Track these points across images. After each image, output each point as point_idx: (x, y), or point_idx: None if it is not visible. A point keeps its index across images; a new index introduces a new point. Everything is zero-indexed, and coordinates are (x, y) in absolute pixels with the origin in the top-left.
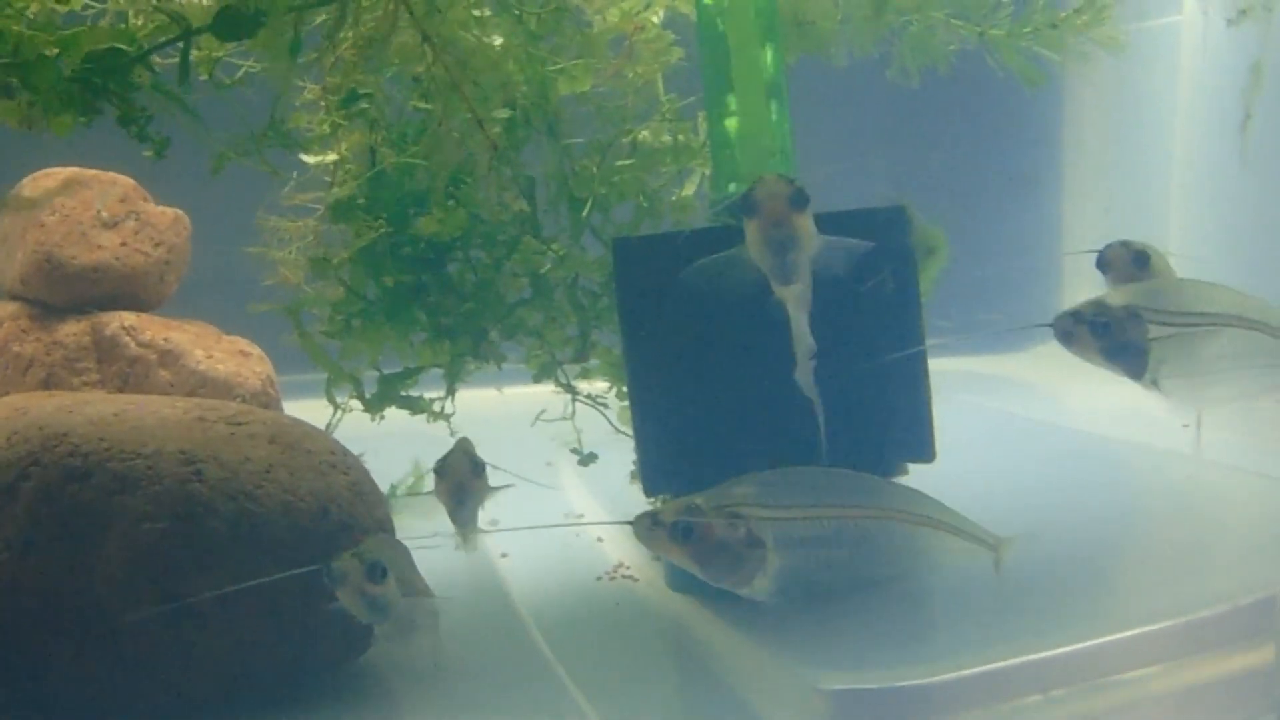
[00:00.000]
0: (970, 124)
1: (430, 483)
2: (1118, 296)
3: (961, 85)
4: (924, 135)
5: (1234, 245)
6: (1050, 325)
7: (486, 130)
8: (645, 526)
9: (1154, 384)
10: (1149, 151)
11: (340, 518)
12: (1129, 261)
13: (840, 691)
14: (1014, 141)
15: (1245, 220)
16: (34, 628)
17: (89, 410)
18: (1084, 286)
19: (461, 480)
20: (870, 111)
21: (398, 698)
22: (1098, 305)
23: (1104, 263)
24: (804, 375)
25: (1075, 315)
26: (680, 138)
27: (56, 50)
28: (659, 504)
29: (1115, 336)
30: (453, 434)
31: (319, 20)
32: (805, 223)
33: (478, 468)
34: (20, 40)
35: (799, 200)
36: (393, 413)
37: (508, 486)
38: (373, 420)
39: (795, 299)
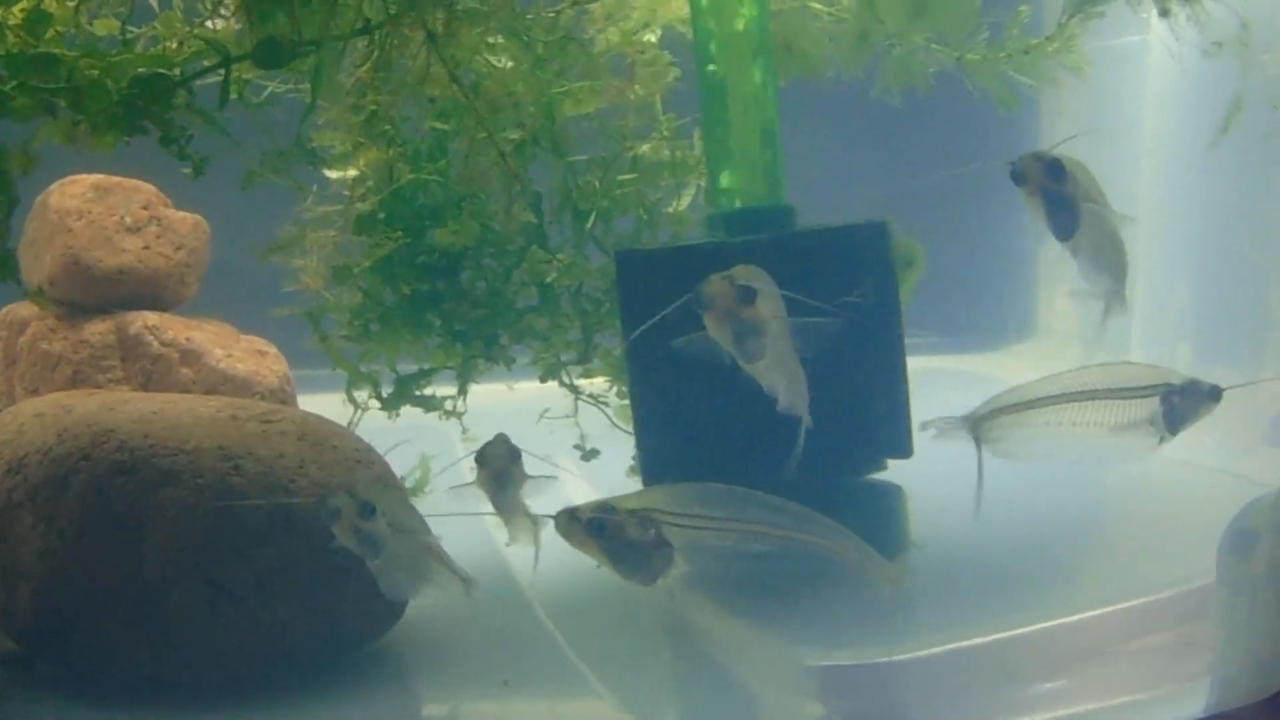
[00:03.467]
0: (952, 130)
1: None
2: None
3: (946, 92)
4: (907, 143)
5: (1196, 242)
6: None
7: (510, 163)
8: (564, 521)
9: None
10: (1118, 159)
11: None
12: (1043, 173)
13: (824, 668)
14: (994, 145)
15: (1204, 224)
16: (85, 609)
17: (130, 409)
18: (1058, 284)
19: (501, 468)
20: (856, 123)
21: (416, 673)
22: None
23: (1018, 175)
24: (797, 408)
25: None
26: (678, 154)
27: (103, 75)
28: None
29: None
30: (465, 431)
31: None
32: (757, 311)
33: (515, 455)
34: (73, 66)
35: (745, 295)
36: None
37: (548, 478)
38: (389, 418)
39: (764, 372)
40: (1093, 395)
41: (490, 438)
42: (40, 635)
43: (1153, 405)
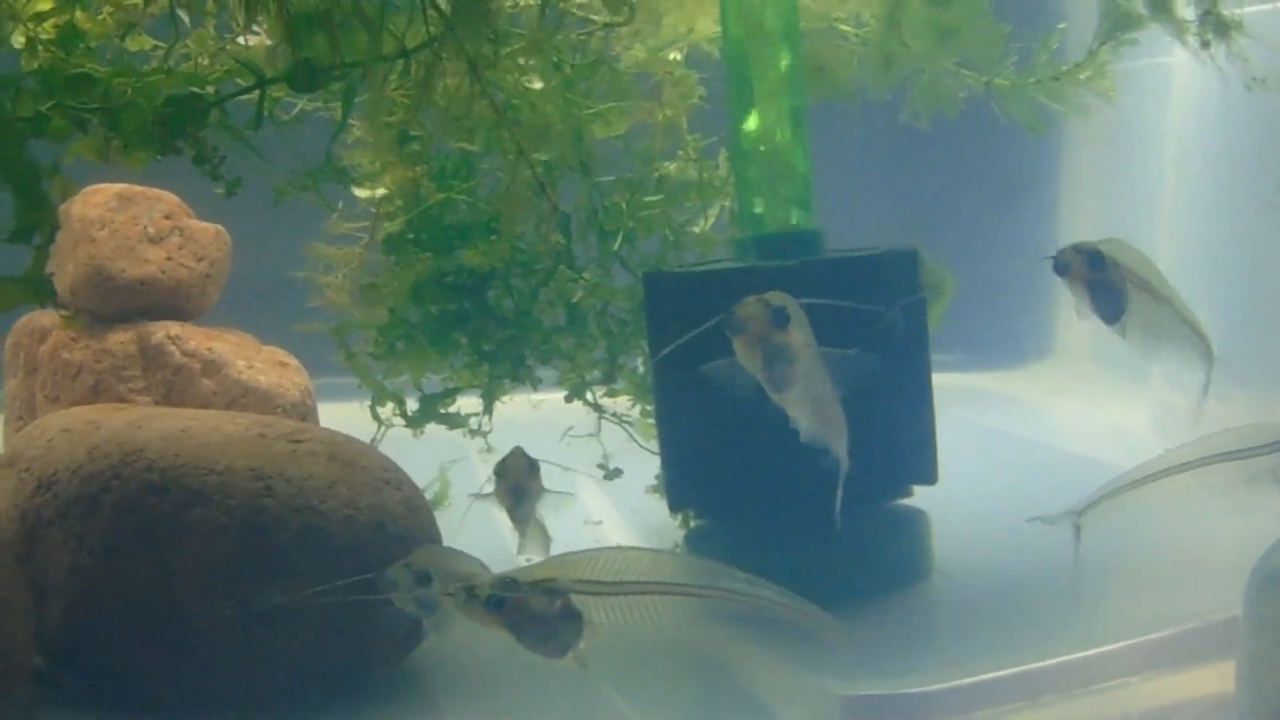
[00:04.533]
0: (975, 145)
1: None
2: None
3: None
4: (931, 154)
5: (1217, 261)
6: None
7: (549, 194)
8: (462, 599)
9: None
10: (1140, 176)
11: (395, 531)
12: (1083, 265)
13: (852, 697)
14: (1015, 155)
15: (1226, 242)
16: (114, 628)
17: (158, 426)
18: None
19: (519, 481)
20: (881, 129)
21: (439, 691)
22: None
23: (1060, 268)
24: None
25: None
26: (704, 174)
27: (138, 94)
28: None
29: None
30: (489, 449)
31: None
32: (789, 336)
33: (533, 468)
34: (109, 86)
35: (779, 319)
36: None
37: (565, 493)
38: (414, 436)
39: (792, 403)
40: (1209, 461)
41: (509, 450)
42: (69, 653)
43: (1273, 461)
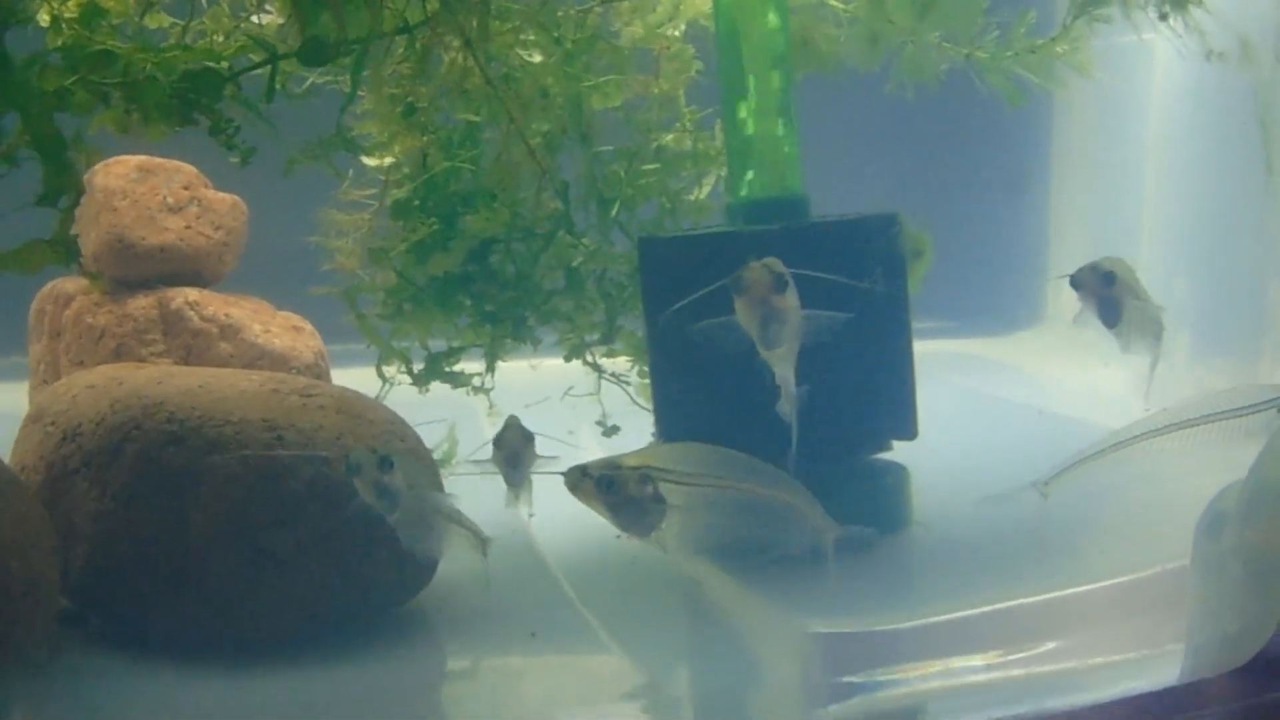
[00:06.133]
0: (965, 127)
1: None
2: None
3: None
4: (921, 138)
5: (1196, 234)
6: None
7: (540, 159)
8: (575, 477)
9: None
10: (1126, 154)
11: None
12: (1098, 282)
13: (824, 634)
14: (1005, 143)
15: (1205, 215)
16: (135, 570)
17: (177, 382)
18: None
19: (515, 450)
20: (869, 112)
21: (441, 633)
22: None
23: (1076, 283)
24: (787, 409)
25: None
26: (699, 145)
27: (156, 69)
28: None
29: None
30: (491, 406)
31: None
32: (785, 300)
33: (528, 438)
34: (129, 61)
35: (780, 284)
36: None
37: (554, 457)
38: (420, 393)
39: (778, 359)
40: (1195, 422)
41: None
42: (93, 593)
43: (1268, 418)
